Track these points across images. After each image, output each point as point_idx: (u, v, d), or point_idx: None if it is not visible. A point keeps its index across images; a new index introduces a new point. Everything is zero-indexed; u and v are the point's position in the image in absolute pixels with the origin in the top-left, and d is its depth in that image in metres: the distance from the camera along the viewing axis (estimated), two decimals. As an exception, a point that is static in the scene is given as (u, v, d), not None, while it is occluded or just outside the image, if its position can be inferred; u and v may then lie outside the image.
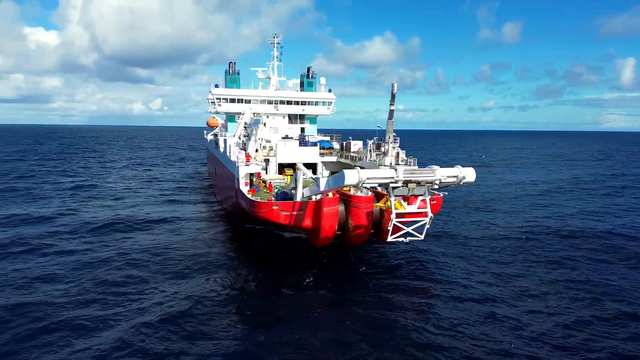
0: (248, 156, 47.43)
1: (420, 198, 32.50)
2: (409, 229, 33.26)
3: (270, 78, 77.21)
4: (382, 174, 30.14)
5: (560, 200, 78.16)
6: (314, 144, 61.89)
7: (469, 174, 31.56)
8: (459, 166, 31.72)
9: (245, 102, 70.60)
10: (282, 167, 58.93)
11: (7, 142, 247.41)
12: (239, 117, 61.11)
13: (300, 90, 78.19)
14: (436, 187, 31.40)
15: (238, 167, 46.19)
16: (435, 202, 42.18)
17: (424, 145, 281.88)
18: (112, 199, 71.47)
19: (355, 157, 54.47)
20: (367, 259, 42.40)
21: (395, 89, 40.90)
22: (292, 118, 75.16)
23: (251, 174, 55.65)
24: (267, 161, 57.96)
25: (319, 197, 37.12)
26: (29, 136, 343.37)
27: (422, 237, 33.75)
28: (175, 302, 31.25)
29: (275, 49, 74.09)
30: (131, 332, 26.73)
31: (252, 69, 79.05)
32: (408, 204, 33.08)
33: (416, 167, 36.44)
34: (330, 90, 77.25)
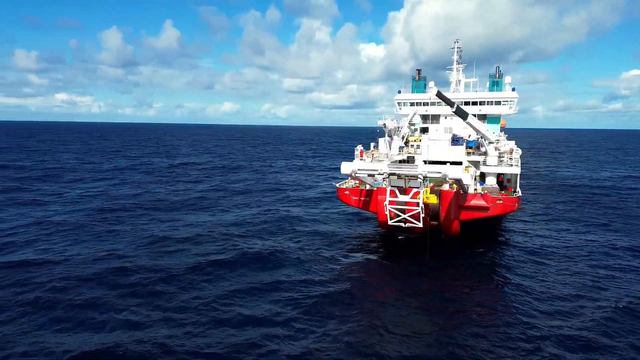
0: (362, 152, 56.98)
1: (414, 190, 36.68)
2: (406, 216, 37.70)
3: (460, 80, 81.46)
4: (370, 166, 36.71)
5: None
6: (462, 144, 64.79)
7: (454, 172, 34.04)
8: (448, 164, 34.45)
9: (423, 105, 77.98)
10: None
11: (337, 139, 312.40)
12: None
13: (488, 90, 79.43)
14: (420, 180, 35.27)
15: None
16: (501, 201, 42.85)
17: None
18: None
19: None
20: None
21: (434, 93, 43.01)
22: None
23: None
24: (411, 159, 64.99)
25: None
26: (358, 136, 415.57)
27: (419, 224, 37.50)
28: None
29: (455, 53, 77.97)
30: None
31: (446, 72, 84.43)
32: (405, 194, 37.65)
33: (405, 163, 39.38)
34: (513, 89, 75.71)
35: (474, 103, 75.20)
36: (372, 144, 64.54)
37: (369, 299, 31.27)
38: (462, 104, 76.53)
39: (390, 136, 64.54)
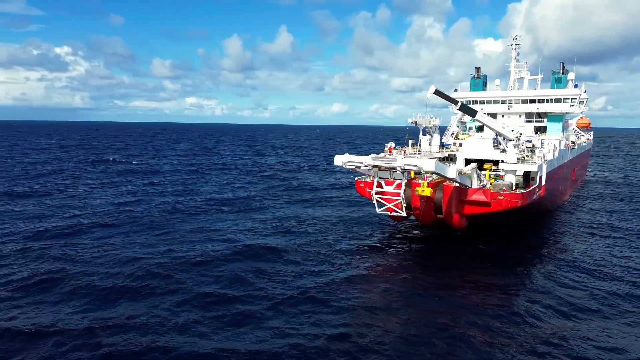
0: (390, 149, 58.93)
1: (397, 182, 38.85)
2: (390, 205, 39.97)
3: (523, 78, 78.90)
4: (357, 159, 39.68)
5: None
6: (507, 142, 63.57)
7: (426, 165, 35.82)
8: (423, 158, 36.24)
9: (480, 103, 76.87)
10: (469, 163, 64.73)
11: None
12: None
13: (550, 88, 76.14)
14: (399, 172, 37.46)
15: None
16: (502, 197, 43.07)
17: None
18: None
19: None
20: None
21: (432, 91, 43.99)
22: (530, 117, 74.76)
23: None
24: (452, 157, 65.30)
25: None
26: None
27: (403, 213, 39.53)
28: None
29: (513, 50, 75.54)
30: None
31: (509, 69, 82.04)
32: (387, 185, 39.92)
33: (386, 156, 40.90)
34: (576, 86, 71.64)
35: (532, 101, 72.56)
36: (410, 142, 65.88)
37: (363, 293, 33.36)
38: (520, 102, 74.43)
39: (429, 134, 65.37)
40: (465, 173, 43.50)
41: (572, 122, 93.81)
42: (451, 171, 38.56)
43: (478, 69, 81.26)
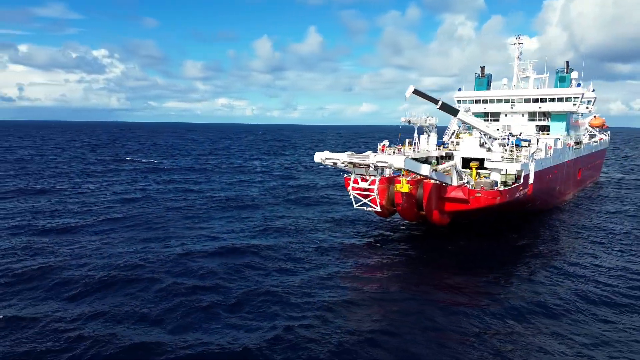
0: (383, 147, 59.63)
1: (371, 178, 39.98)
2: (366, 200, 41.14)
3: (529, 77, 78.42)
4: (334, 155, 41.02)
5: None
6: (501, 142, 63.42)
7: (396, 161, 36.87)
8: (394, 155, 37.31)
9: (482, 102, 76.83)
10: (466, 161, 64.93)
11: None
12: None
13: (554, 87, 75.56)
14: (372, 168, 38.61)
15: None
16: (480, 194, 43.65)
17: None
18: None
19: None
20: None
21: (411, 91, 44.63)
22: (533, 116, 74.21)
23: None
24: (450, 156, 65.49)
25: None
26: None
27: (378, 208, 40.67)
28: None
29: (517, 49, 75.11)
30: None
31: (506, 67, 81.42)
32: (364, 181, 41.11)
33: (365, 153, 41.85)
34: (579, 85, 70.74)
35: (535, 100, 72.03)
36: (407, 140, 66.34)
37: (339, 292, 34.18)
38: (522, 102, 74.03)
39: (426, 132, 65.56)
40: (444, 171, 44.18)
41: (585, 122, 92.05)
42: (424, 169, 39.39)
43: (482, 68, 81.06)
